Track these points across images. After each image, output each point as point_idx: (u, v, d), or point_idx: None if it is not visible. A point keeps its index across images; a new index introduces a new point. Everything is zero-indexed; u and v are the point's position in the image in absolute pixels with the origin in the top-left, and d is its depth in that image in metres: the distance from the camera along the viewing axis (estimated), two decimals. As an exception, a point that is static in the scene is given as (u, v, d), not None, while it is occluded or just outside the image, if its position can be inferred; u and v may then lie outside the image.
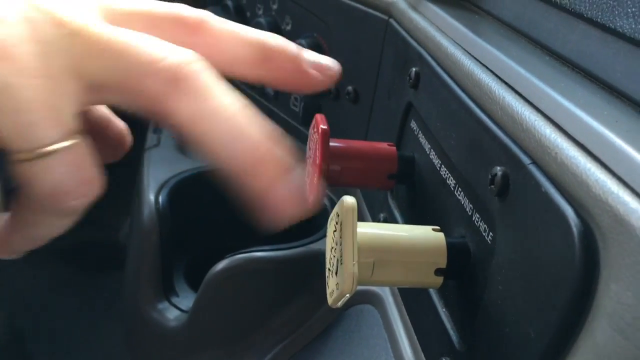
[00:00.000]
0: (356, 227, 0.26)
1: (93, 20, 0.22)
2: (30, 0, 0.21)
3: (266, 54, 0.25)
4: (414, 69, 0.35)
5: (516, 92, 0.25)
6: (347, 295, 0.25)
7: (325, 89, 0.28)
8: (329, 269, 0.27)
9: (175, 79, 0.22)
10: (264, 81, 0.26)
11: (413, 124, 0.35)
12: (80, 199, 0.21)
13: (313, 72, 0.26)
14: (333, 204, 0.47)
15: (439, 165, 0.31)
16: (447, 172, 0.30)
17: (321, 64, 0.27)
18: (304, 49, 0.27)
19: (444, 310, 0.29)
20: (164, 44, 0.22)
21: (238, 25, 0.25)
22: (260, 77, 0.26)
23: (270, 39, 0.26)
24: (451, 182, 0.29)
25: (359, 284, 0.25)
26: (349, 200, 0.26)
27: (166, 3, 0.24)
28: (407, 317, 0.34)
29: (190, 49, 0.23)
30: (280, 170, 0.23)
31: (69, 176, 0.20)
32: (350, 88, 0.45)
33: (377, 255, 0.26)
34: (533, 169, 0.22)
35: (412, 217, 0.35)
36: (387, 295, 0.38)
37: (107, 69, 0.21)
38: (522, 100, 0.24)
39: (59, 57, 0.20)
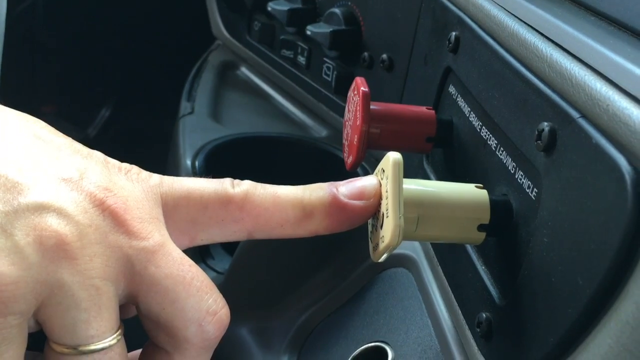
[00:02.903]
0: (402, 181, 0.26)
1: (159, 241, 0.23)
2: (98, 203, 0.22)
3: (306, 210, 0.26)
4: (453, 34, 0.35)
5: (564, 49, 0.25)
6: (392, 248, 0.26)
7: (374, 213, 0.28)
8: (373, 224, 0.28)
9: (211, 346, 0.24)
10: (318, 232, 0.27)
11: (451, 89, 0.36)
12: None
13: (353, 203, 0.27)
14: (365, 172, 0.48)
15: (479, 126, 0.31)
16: (488, 132, 0.30)
17: (356, 189, 0.27)
18: (338, 183, 0.27)
19: (483, 267, 0.29)
20: (217, 299, 0.24)
21: (277, 188, 0.27)
22: (311, 231, 0.27)
23: (306, 193, 0.27)
24: (492, 142, 0.30)
25: (403, 238, 0.26)
26: (395, 155, 0.27)
27: (213, 181, 0.26)
28: (442, 278, 0.35)
29: (240, 222, 0.26)
30: None
31: None
32: (384, 56, 0.46)
33: (422, 211, 0.27)
34: (582, 122, 0.22)
35: (450, 180, 0.35)
36: (420, 258, 0.38)
37: (156, 304, 0.23)
38: (570, 57, 0.24)
39: (118, 265, 0.22)
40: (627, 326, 0.19)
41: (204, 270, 0.46)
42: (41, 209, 0.21)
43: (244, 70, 0.69)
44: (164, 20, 0.92)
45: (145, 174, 0.25)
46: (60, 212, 0.21)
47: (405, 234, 0.26)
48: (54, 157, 0.23)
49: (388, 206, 0.26)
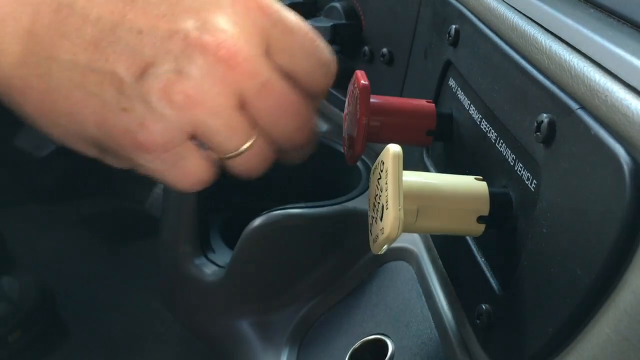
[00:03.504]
0: (401, 173, 0.26)
1: (267, 77, 0.30)
2: (213, 52, 0.27)
3: None
4: (453, 27, 0.35)
5: (563, 41, 0.25)
6: (392, 239, 0.26)
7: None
8: (373, 216, 0.28)
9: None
10: None
11: (451, 82, 0.36)
12: (262, 168, 0.33)
13: None
14: (365, 166, 0.48)
15: (479, 119, 0.31)
16: (488, 125, 0.30)
17: None
18: None
19: (482, 259, 0.30)
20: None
21: None
22: None
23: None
24: (492, 135, 0.30)
25: (403, 230, 0.26)
26: (395, 147, 0.27)
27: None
28: (442, 271, 0.35)
29: None
30: None
31: (252, 160, 0.32)
32: (385, 50, 0.46)
33: (421, 202, 0.27)
34: (581, 113, 0.22)
35: (450, 174, 0.35)
36: (420, 250, 0.39)
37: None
38: (569, 49, 0.25)
39: (236, 97, 0.29)
40: (625, 315, 0.19)
41: (205, 264, 0.47)
42: (173, 70, 0.27)
43: (245, 65, 0.69)
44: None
45: (267, 15, 0.30)
46: (180, 71, 0.27)
47: (405, 226, 0.26)
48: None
49: (388, 198, 0.26)
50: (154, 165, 0.30)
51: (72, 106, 0.27)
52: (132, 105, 0.27)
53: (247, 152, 0.31)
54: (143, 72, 0.27)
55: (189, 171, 0.30)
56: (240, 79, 0.28)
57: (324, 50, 0.31)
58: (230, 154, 0.31)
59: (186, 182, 0.31)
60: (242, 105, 0.29)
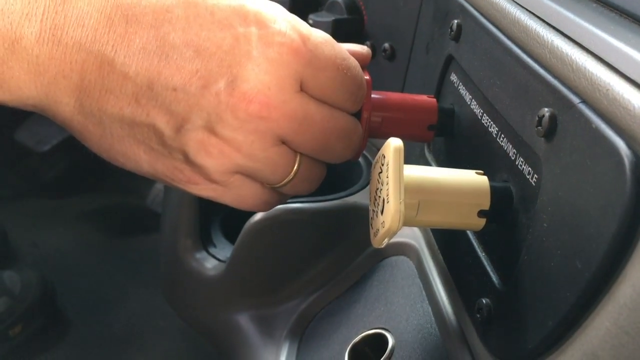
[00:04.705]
0: (403, 167, 0.26)
1: (300, 115, 0.30)
2: (245, 106, 0.28)
3: None
4: (455, 22, 0.35)
5: (565, 35, 0.25)
6: (393, 233, 0.26)
7: None
8: (374, 210, 0.28)
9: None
10: None
11: (453, 77, 0.36)
12: (315, 185, 0.33)
13: None
14: (366, 161, 0.48)
15: (480, 114, 0.31)
16: (490, 120, 0.30)
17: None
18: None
19: (483, 253, 0.30)
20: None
21: None
22: None
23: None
24: (493, 129, 0.30)
25: (404, 224, 0.26)
26: (396, 141, 0.27)
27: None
28: (442, 266, 0.35)
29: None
30: None
31: (301, 184, 0.32)
32: (386, 45, 0.46)
33: (422, 196, 0.27)
34: (583, 107, 0.22)
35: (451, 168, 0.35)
36: (421, 245, 0.39)
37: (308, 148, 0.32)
38: (571, 43, 0.25)
39: (273, 136, 0.30)
40: (624, 308, 0.19)
41: (206, 258, 0.47)
42: (203, 127, 0.28)
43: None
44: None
45: (299, 57, 0.29)
46: (212, 128, 0.28)
47: (406, 220, 0.26)
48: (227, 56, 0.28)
49: (389, 191, 0.26)
50: (206, 193, 0.31)
51: (126, 149, 0.30)
52: (174, 152, 0.29)
53: (294, 179, 0.32)
54: (180, 127, 0.28)
55: (244, 195, 0.32)
56: (274, 125, 0.29)
57: (356, 76, 0.32)
58: (278, 185, 0.32)
59: (245, 205, 0.32)
60: (283, 141, 0.30)
